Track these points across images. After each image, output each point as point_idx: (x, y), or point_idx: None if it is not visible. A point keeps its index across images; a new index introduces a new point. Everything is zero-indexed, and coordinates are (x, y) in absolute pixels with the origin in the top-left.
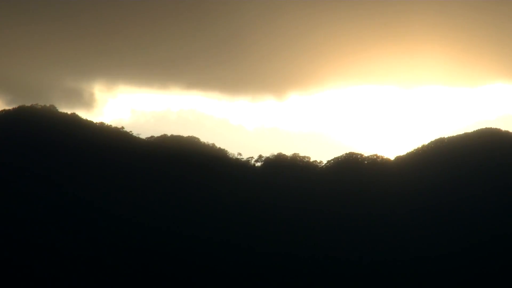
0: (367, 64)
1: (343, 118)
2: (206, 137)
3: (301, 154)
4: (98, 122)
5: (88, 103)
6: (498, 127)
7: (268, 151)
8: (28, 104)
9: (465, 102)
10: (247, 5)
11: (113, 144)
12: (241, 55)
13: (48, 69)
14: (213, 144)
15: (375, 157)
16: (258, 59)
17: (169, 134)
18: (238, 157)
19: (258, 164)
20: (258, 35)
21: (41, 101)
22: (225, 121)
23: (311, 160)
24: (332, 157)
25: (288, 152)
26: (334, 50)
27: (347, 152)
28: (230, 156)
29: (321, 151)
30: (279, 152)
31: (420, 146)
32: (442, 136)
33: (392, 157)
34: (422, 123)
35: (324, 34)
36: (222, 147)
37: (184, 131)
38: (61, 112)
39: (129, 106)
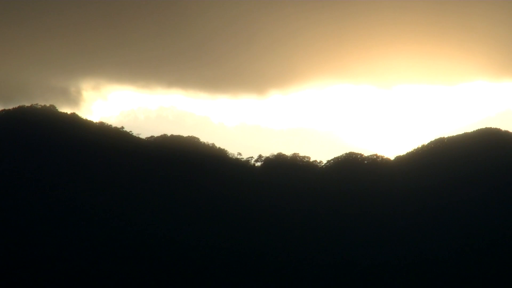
0: (348, 64)
1: (326, 116)
2: (188, 134)
3: (285, 151)
4: (98, 121)
5: (76, 102)
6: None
7: (251, 149)
8: (27, 104)
9: (454, 100)
10: (227, 4)
11: (113, 144)
12: (222, 54)
13: (34, 69)
14: (213, 144)
15: (375, 157)
16: (239, 57)
17: (154, 131)
18: (238, 157)
19: (258, 164)
20: (238, 34)
21: (27, 101)
22: (206, 118)
23: (311, 160)
24: (319, 155)
25: (270, 149)
26: (316, 50)
27: (347, 152)
28: (230, 156)
29: (305, 149)
30: (279, 152)
31: (420, 146)
32: (442, 136)
33: (392, 157)
34: (404, 122)
35: (306, 33)
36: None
37: (165, 129)
38: (61, 112)
39: (116, 105)
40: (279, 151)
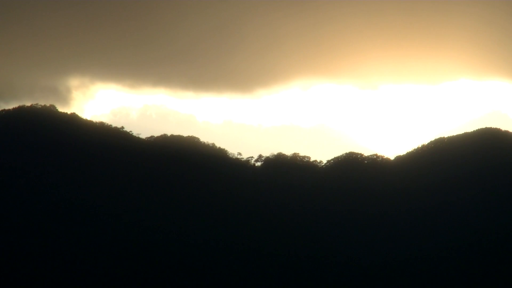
0: (333, 63)
1: (311, 114)
2: (173, 132)
3: (271, 149)
4: (98, 121)
5: (66, 101)
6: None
7: (236, 147)
8: (28, 104)
9: (440, 99)
10: (212, 5)
11: (113, 144)
12: (207, 53)
13: (19, 68)
14: (213, 144)
15: (375, 156)
16: (224, 56)
17: (144, 130)
18: (238, 156)
19: (258, 164)
20: (224, 34)
21: (15, 99)
22: (191, 117)
23: (311, 160)
24: (305, 152)
25: (257, 147)
26: (301, 50)
27: (347, 152)
28: (230, 156)
29: (290, 146)
30: (279, 152)
31: (420, 146)
32: (442, 136)
33: (392, 157)
34: (391, 121)
35: (292, 33)
36: None
37: (152, 128)
38: (61, 112)
39: (102, 104)
40: (267, 149)
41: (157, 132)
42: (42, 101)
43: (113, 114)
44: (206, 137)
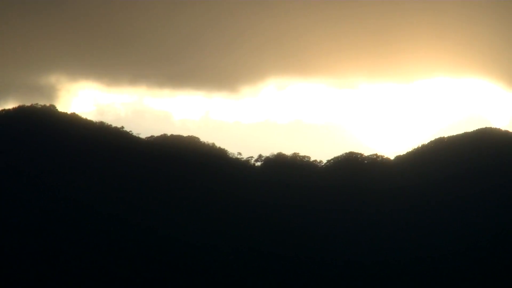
0: (309, 62)
1: (289, 111)
2: (151, 131)
3: (254, 147)
4: (98, 121)
5: (52, 99)
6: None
7: (221, 145)
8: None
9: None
10: (190, 3)
11: (113, 144)
12: (185, 50)
13: (6, 65)
14: (213, 144)
15: (375, 156)
16: (204, 53)
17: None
18: (238, 156)
19: (258, 163)
20: (200, 32)
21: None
22: (168, 114)
23: (311, 159)
24: (284, 149)
25: (236, 145)
26: (280, 47)
27: (347, 152)
28: (230, 155)
29: (271, 144)
30: (278, 151)
31: (420, 146)
32: (442, 136)
33: (392, 157)
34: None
35: (275, 29)
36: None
37: (136, 126)
38: (60, 112)
39: (84, 102)
40: (249, 146)
41: (134, 130)
42: (25, 100)
43: (98, 112)
44: (184, 134)
